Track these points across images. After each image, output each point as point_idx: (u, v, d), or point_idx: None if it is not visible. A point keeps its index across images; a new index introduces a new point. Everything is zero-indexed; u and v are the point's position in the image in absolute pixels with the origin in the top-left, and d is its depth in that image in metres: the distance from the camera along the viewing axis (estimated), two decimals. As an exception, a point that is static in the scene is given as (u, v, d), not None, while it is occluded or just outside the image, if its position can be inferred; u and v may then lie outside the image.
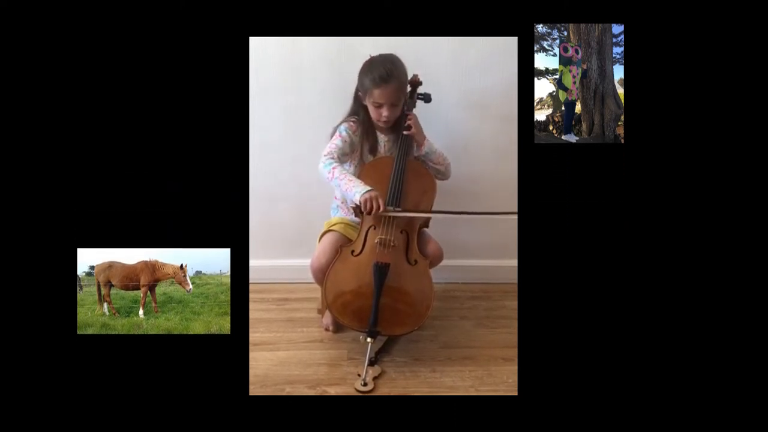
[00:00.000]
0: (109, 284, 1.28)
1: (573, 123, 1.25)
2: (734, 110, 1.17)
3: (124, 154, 1.14)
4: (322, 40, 2.05)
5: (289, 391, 1.66)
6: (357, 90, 1.89)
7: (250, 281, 2.19)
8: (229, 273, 1.21)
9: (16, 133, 1.13)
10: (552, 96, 1.25)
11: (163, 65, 1.13)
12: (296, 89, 2.14)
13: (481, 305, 2.26)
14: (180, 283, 1.27)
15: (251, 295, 2.21)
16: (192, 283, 1.26)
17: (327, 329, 2.01)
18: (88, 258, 1.19)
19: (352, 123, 1.89)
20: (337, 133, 1.86)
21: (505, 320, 2.12)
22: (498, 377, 1.75)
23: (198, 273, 1.26)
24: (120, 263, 1.25)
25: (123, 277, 1.28)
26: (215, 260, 1.21)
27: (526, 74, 1.18)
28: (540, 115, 1.24)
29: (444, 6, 1.23)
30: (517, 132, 1.21)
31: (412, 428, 1.29)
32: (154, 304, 1.28)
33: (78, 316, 1.20)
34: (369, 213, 1.71)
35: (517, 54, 1.20)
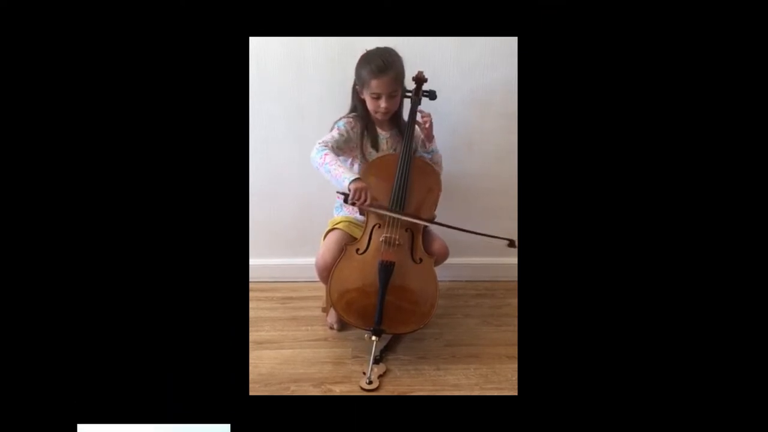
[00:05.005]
0: (108, 459, 1.26)
1: None
2: None
3: (122, 153, 1.13)
4: (324, 40, 2.05)
5: (294, 389, 1.67)
6: (354, 85, 1.88)
7: (255, 280, 2.24)
8: None
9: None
10: None
11: (162, 65, 1.13)
12: (298, 88, 2.14)
13: (485, 303, 2.27)
14: None
15: (255, 294, 2.25)
16: (192, 459, 1.24)
17: (331, 327, 2.02)
18: None
19: (350, 119, 1.89)
20: (335, 128, 1.85)
21: (510, 318, 2.12)
22: (502, 375, 1.76)
23: None
24: None
25: None
26: None
27: (528, 72, 1.17)
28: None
29: (444, 5, 1.22)
30: (518, 129, 1.21)
31: (417, 427, 1.29)
32: None
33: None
34: (354, 203, 1.68)
35: (518, 53, 1.19)
